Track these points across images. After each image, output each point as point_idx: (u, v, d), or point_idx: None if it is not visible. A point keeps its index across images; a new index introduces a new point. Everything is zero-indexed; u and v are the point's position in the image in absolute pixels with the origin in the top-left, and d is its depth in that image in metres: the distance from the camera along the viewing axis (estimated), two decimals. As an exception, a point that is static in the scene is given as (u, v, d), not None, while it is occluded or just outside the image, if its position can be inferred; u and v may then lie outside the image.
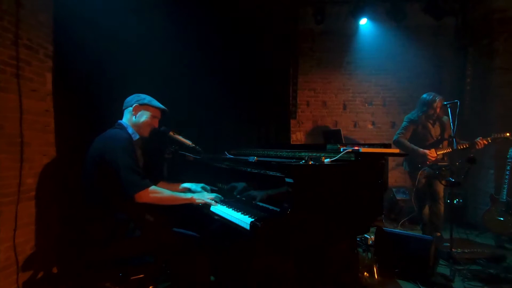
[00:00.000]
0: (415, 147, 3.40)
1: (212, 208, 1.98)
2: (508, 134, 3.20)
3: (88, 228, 1.74)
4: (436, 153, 3.31)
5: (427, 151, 3.32)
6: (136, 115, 1.95)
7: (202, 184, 2.28)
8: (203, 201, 1.96)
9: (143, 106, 1.96)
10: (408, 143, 3.45)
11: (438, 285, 2.52)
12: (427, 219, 3.49)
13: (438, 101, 3.34)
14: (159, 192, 1.80)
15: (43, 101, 2.41)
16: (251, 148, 3.03)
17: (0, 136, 2.05)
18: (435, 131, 3.47)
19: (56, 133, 2.51)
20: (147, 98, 1.99)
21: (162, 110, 2.05)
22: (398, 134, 3.55)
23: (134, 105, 1.94)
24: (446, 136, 3.46)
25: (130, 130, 1.92)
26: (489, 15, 4.26)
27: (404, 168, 3.73)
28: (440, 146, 3.45)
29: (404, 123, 3.59)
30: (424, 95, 3.47)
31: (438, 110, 3.39)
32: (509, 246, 3.47)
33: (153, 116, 2.00)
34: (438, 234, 3.43)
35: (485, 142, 3.24)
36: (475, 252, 3.11)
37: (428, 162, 3.34)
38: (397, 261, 2.65)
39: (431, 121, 3.46)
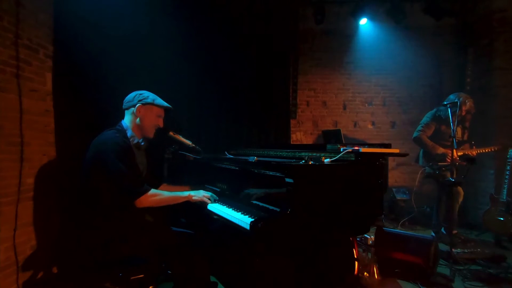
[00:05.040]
0: (436, 145, 3.40)
1: (211, 208, 1.99)
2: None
3: (88, 228, 1.73)
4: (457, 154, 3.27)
5: (448, 150, 3.30)
6: (140, 117, 1.87)
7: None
8: (199, 199, 1.97)
9: (147, 106, 1.87)
10: (430, 140, 3.46)
11: (438, 285, 2.52)
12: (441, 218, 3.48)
13: (468, 103, 3.32)
14: (159, 195, 1.81)
15: (43, 101, 2.41)
16: (251, 148, 3.04)
17: (0, 136, 2.05)
18: (458, 132, 3.46)
19: (56, 133, 2.51)
20: (150, 97, 1.89)
21: (166, 108, 1.97)
22: (419, 131, 3.52)
23: (137, 105, 1.85)
24: (466, 138, 3.48)
25: (129, 133, 1.86)
26: (489, 15, 4.26)
27: (420, 164, 3.70)
28: (462, 147, 3.45)
29: (426, 120, 3.55)
30: (452, 96, 3.39)
31: (464, 112, 3.37)
32: (509, 246, 3.47)
33: (158, 116, 1.93)
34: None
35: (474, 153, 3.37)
36: (475, 252, 3.11)
37: (448, 160, 3.31)
38: (397, 261, 2.65)
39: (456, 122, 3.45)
